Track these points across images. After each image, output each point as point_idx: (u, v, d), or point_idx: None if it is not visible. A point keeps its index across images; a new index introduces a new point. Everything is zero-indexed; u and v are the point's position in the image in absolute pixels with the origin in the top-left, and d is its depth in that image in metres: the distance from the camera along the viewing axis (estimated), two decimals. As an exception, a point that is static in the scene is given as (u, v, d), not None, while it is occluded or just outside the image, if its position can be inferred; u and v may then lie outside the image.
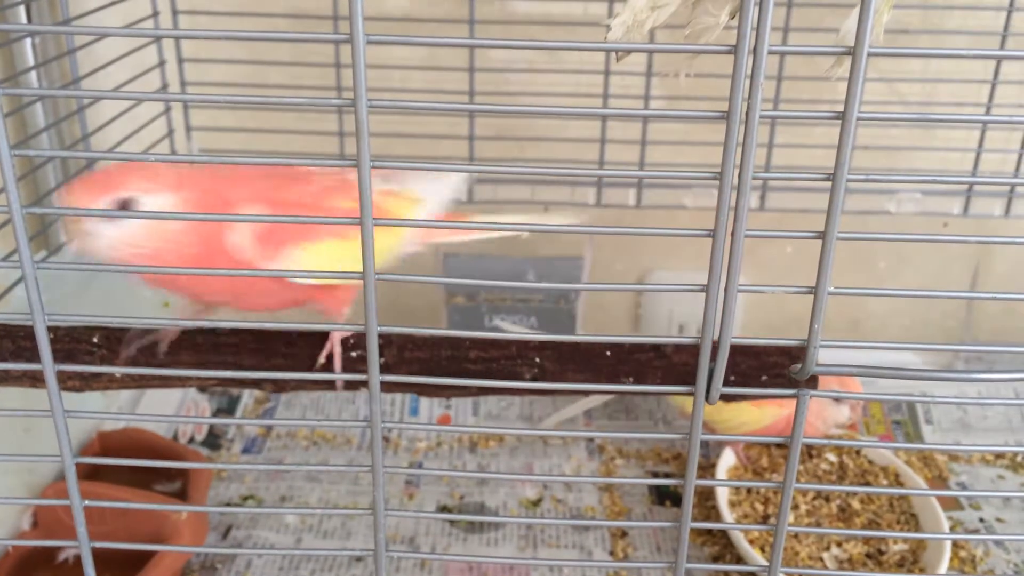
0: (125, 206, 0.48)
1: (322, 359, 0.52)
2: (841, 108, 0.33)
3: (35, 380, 0.50)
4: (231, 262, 0.50)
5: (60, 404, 0.41)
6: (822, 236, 0.35)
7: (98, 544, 0.45)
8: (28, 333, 0.48)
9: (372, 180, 0.59)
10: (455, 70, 0.94)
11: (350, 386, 0.51)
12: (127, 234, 0.49)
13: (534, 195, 1.00)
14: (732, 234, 0.34)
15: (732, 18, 0.36)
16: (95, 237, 0.48)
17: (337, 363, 0.52)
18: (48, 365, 0.40)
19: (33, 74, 0.82)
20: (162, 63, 0.91)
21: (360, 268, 0.52)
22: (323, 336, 0.52)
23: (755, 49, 0.31)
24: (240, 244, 0.50)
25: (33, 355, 0.42)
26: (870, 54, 0.31)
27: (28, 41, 0.81)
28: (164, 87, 0.92)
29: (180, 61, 0.93)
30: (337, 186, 0.56)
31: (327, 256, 0.53)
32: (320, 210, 0.53)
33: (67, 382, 0.51)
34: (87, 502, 0.44)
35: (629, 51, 0.33)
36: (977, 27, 0.94)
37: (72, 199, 0.49)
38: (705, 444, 0.93)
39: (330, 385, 0.53)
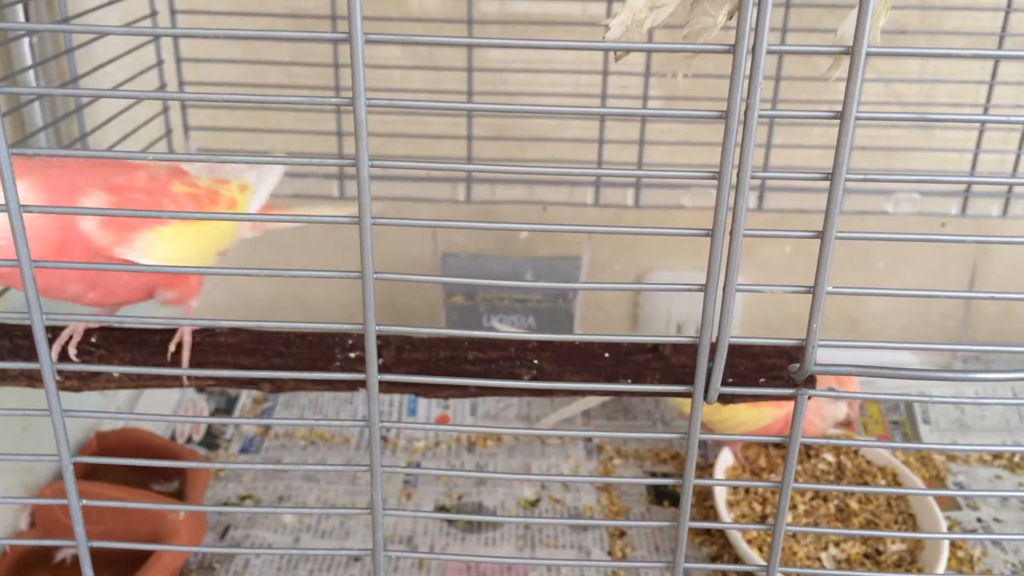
0: None
1: (172, 347, 0.52)
2: (839, 108, 0.33)
3: (33, 380, 0.50)
4: (86, 249, 0.50)
5: (58, 403, 0.41)
6: (820, 236, 0.35)
7: (96, 544, 0.45)
8: (26, 332, 0.48)
9: (200, 170, 0.60)
10: (454, 70, 0.94)
11: (348, 386, 0.51)
12: None
13: (532, 195, 1.00)
14: (730, 234, 0.34)
15: (730, 18, 0.36)
16: None
17: (186, 355, 0.51)
18: (46, 364, 0.40)
19: (31, 73, 0.82)
20: (160, 62, 0.91)
21: (202, 253, 0.53)
22: (324, 336, 0.52)
23: (753, 49, 0.31)
24: (92, 229, 0.51)
25: (31, 354, 0.42)
26: (868, 54, 0.31)
27: (26, 40, 0.81)
28: (162, 86, 0.92)
29: (178, 61, 0.93)
30: (172, 172, 0.57)
31: (176, 239, 0.54)
32: (162, 194, 0.55)
33: (65, 382, 0.51)
34: (85, 502, 0.44)
35: (628, 51, 0.33)
36: (975, 28, 0.94)
37: None
38: (703, 444, 0.93)
39: (329, 385, 0.53)
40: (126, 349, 0.52)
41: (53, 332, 0.52)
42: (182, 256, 0.55)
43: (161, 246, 0.53)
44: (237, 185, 0.61)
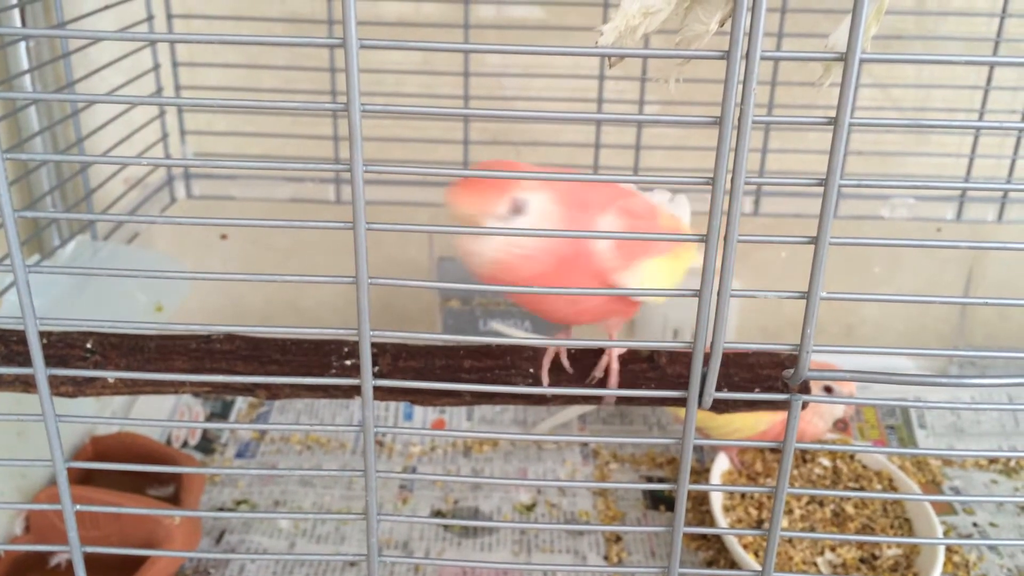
0: (521, 206, 0.48)
1: (599, 373, 0.51)
2: (835, 113, 0.33)
3: (27, 385, 0.50)
4: (589, 268, 0.51)
5: (52, 409, 0.41)
6: (814, 241, 0.35)
7: (90, 549, 0.45)
8: (21, 338, 0.48)
9: (651, 199, 0.59)
10: (450, 74, 0.94)
11: (344, 392, 0.51)
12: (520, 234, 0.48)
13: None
14: (725, 239, 0.35)
15: (722, 25, 0.36)
16: (485, 239, 0.48)
17: (613, 379, 0.51)
18: (40, 370, 0.40)
19: (27, 77, 0.82)
20: (156, 67, 0.91)
21: (673, 283, 0.53)
22: (320, 343, 0.52)
23: (747, 55, 0.31)
24: (604, 251, 0.51)
25: (25, 360, 0.42)
26: (862, 60, 0.31)
27: (22, 44, 0.81)
28: (158, 91, 0.92)
29: (174, 65, 0.93)
30: (624, 193, 0.57)
31: (664, 270, 0.54)
32: (654, 223, 0.55)
33: (60, 387, 0.51)
34: (79, 507, 0.43)
35: (621, 56, 0.33)
36: (970, 33, 0.94)
37: (464, 199, 0.48)
38: (699, 449, 0.93)
39: (325, 392, 0.53)
40: (121, 355, 0.52)
41: (47, 337, 0.52)
42: (663, 287, 0.54)
43: (653, 275, 0.53)
44: (669, 215, 0.61)
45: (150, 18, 0.89)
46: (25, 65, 0.82)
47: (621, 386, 0.50)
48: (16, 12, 0.81)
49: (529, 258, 0.48)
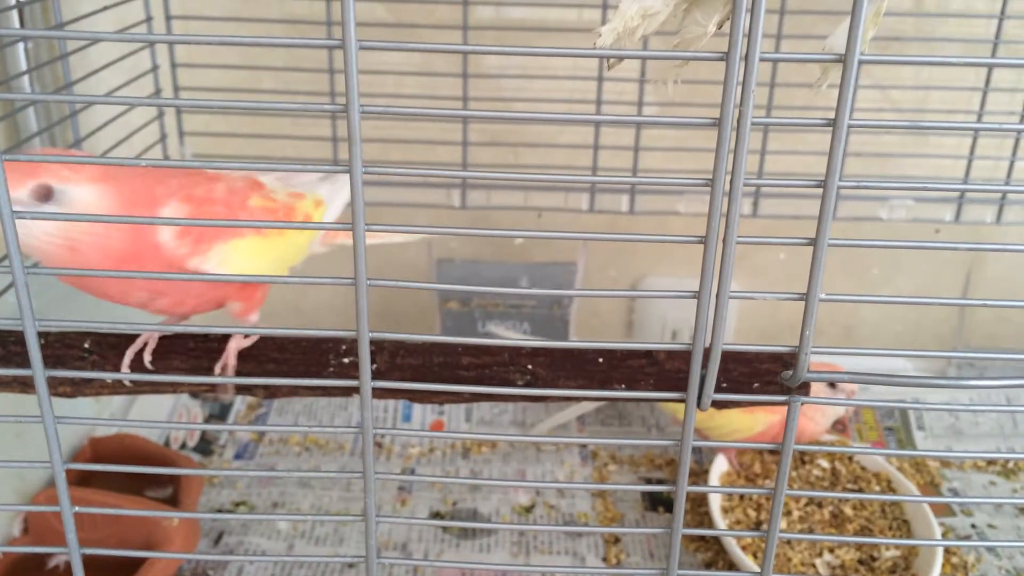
0: (46, 192, 0.47)
1: (218, 369, 0.51)
2: (833, 115, 0.33)
3: (25, 386, 0.50)
4: (159, 258, 0.50)
5: (50, 410, 0.41)
6: (813, 243, 0.35)
7: (88, 551, 0.45)
8: (19, 338, 0.48)
9: (276, 183, 0.59)
10: (449, 76, 0.94)
11: (342, 392, 0.51)
12: (52, 223, 0.48)
13: (527, 201, 1.00)
14: (723, 240, 0.35)
15: (720, 28, 0.36)
16: (25, 223, 0.47)
17: (230, 370, 0.51)
18: (38, 371, 0.40)
19: (26, 78, 0.82)
20: (155, 68, 0.91)
21: (274, 267, 0.52)
22: (318, 342, 0.52)
23: (746, 56, 0.31)
24: (167, 240, 0.50)
25: (23, 361, 0.42)
26: (860, 62, 0.31)
27: (21, 45, 0.81)
28: (157, 92, 0.92)
29: (173, 66, 0.93)
30: (250, 185, 0.57)
31: (250, 252, 0.54)
32: (239, 207, 0.54)
33: (58, 388, 0.51)
34: (77, 508, 0.43)
35: (620, 58, 0.33)
36: (969, 35, 0.94)
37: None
38: (698, 450, 0.93)
39: (324, 391, 0.53)
40: (119, 355, 0.52)
41: (45, 338, 0.52)
42: (256, 269, 0.54)
43: (236, 258, 0.53)
44: (312, 200, 0.61)
45: (149, 19, 0.89)
46: (24, 66, 0.82)
47: (618, 382, 0.49)
48: (15, 13, 0.81)
49: (74, 250, 0.48)
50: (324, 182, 0.63)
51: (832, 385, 0.83)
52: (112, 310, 0.56)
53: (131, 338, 0.53)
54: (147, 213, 0.50)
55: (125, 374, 0.49)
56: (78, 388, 0.52)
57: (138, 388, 0.52)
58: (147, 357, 0.51)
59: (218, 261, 0.52)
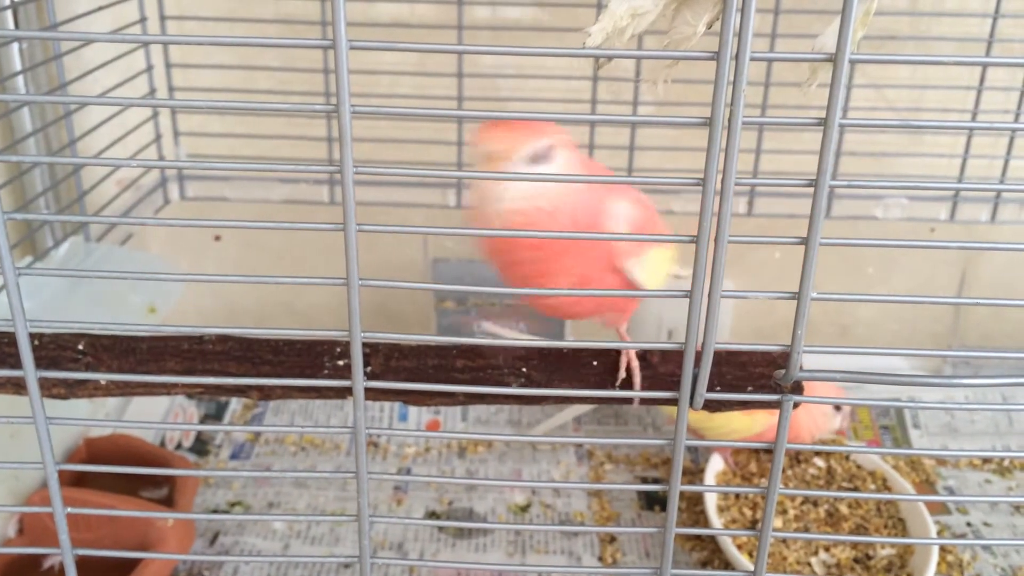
0: (546, 153, 0.48)
1: (622, 374, 0.50)
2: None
3: (19, 387, 0.50)
4: (599, 245, 0.50)
5: (42, 411, 0.41)
6: (805, 242, 0.35)
7: (81, 552, 0.45)
8: (11, 339, 0.48)
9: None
10: (444, 75, 0.94)
11: (336, 393, 0.51)
12: (535, 186, 0.48)
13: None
14: (715, 240, 0.35)
15: (709, 28, 0.36)
16: (509, 185, 0.47)
17: (636, 379, 0.50)
18: (30, 372, 0.40)
19: (20, 79, 0.82)
20: (149, 68, 0.91)
21: (665, 279, 0.53)
22: (312, 344, 0.52)
23: (737, 55, 0.31)
24: (617, 232, 0.51)
25: (16, 362, 0.42)
26: (852, 61, 0.31)
27: (15, 46, 0.81)
28: (152, 92, 0.92)
29: (168, 66, 0.93)
30: (635, 198, 0.56)
31: (663, 263, 0.54)
32: (656, 215, 0.55)
33: (51, 389, 0.51)
34: (70, 509, 0.43)
35: (611, 57, 0.33)
36: (964, 34, 0.94)
37: (492, 136, 0.48)
38: (694, 450, 0.93)
39: (318, 393, 0.53)
40: (113, 357, 0.52)
41: (38, 339, 0.52)
42: (660, 281, 0.55)
43: (655, 268, 0.53)
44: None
45: (143, 19, 0.89)
46: (18, 66, 0.82)
47: (614, 385, 0.50)
48: (9, 13, 0.81)
49: (549, 214, 0.48)
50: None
51: (837, 408, 0.83)
52: (107, 311, 0.56)
53: (124, 340, 0.53)
54: (602, 201, 0.50)
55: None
56: (72, 389, 0.51)
57: (132, 390, 0.52)
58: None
59: (644, 268, 0.52)
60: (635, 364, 0.50)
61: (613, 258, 0.51)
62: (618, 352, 0.50)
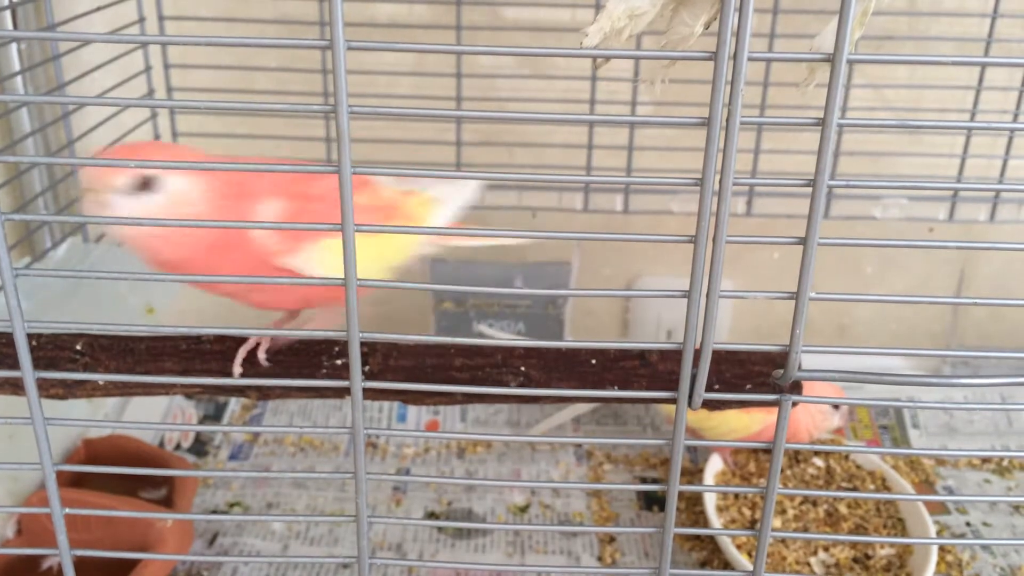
0: (147, 182, 0.47)
1: (237, 368, 0.51)
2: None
3: (16, 387, 0.50)
4: (251, 251, 0.50)
5: (40, 412, 0.41)
6: (803, 242, 0.35)
7: (79, 552, 0.44)
8: (9, 340, 0.47)
9: (390, 183, 0.58)
10: (443, 76, 0.94)
11: (335, 393, 0.51)
12: (146, 211, 0.47)
13: (521, 200, 1.00)
14: (714, 240, 0.35)
15: (707, 28, 0.36)
16: (113, 211, 0.47)
17: (236, 368, 0.51)
18: (28, 372, 0.40)
19: (19, 79, 0.82)
20: (148, 69, 0.91)
21: (373, 266, 0.51)
22: (310, 344, 0.52)
23: (735, 55, 0.31)
24: (262, 235, 0.50)
25: (14, 362, 0.42)
26: (849, 61, 0.31)
27: (14, 46, 0.81)
28: (150, 93, 0.92)
29: (166, 67, 0.93)
30: (356, 182, 0.56)
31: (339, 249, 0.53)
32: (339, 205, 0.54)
33: (49, 389, 0.51)
34: (68, 510, 0.43)
35: (608, 58, 0.33)
36: (962, 34, 0.94)
37: (92, 171, 0.47)
38: (693, 449, 0.93)
39: (316, 393, 0.53)
40: (111, 357, 0.52)
41: (36, 339, 0.52)
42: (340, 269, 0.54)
43: (330, 258, 0.51)
44: (421, 199, 0.59)
45: (142, 20, 0.89)
46: (16, 67, 0.82)
47: (612, 383, 0.49)
48: (7, 14, 0.81)
49: (168, 241, 0.47)
50: (443, 183, 0.61)
51: (835, 407, 0.83)
52: (106, 311, 0.56)
53: (122, 340, 0.53)
54: (243, 206, 0.49)
55: (237, 379, 0.49)
56: (70, 390, 0.51)
57: (130, 390, 0.52)
58: (262, 355, 0.51)
59: (307, 260, 0.51)
60: (262, 355, 0.50)
61: (268, 260, 0.51)
62: (621, 349, 0.50)
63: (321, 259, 0.52)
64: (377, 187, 0.57)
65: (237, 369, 0.50)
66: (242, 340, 0.52)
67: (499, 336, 0.99)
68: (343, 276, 0.36)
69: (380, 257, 0.57)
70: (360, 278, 0.37)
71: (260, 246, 0.50)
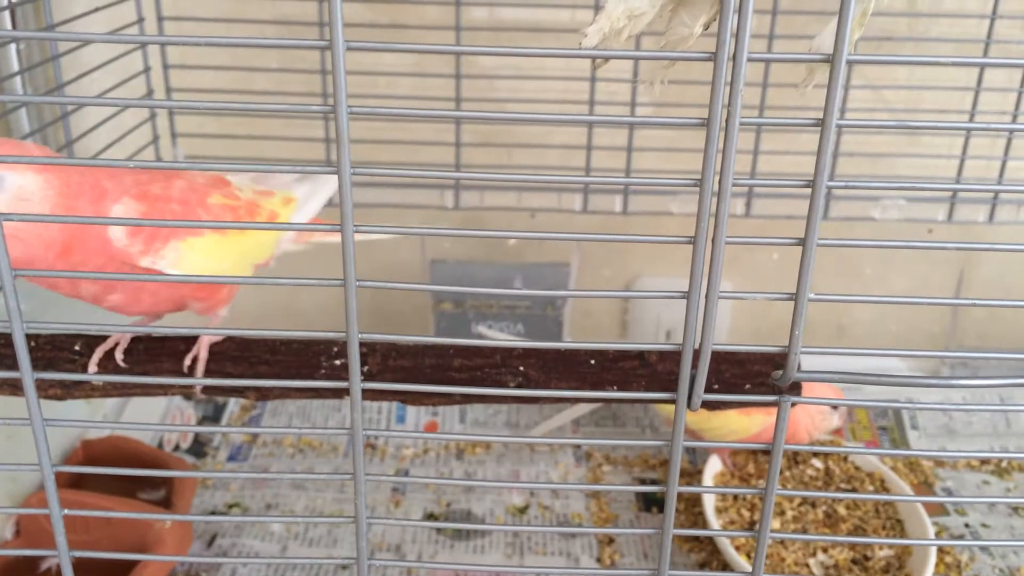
0: None
1: (187, 362, 0.51)
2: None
3: (15, 388, 0.50)
4: (108, 253, 0.50)
5: (39, 413, 0.41)
6: (802, 243, 0.35)
7: (78, 554, 0.44)
8: (8, 340, 0.47)
9: (245, 181, 0.59)
10: (442, 76, 0.93)
11: (333, 394, 0.51)
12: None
13: (521, 201, 1.00)
14: (713, 241, 0.35)
15: (706, 29, 0.36)
16: None
17: (200, 368, 0.51)
18: (26, 373, 0.40)
19: (18, 79, 0.82)
20: (147, 69, 0.91)
21: (237, 265, 0.51)
22: (309, 344, 0.52)
23: (734, 56, 0.31)
24: (119, 237, 0.50)
25: (13, 363, 0.42)
26: (849, 62, 0.31)
27: (13, 46, 0.81)
28: (149, 93, 0.92)
29: (165, 67, 0.93)
30: (212, 182, 0.56)
31: (208, 251, 0.53)
32: (197, 205, 0.53)
33: (48, 390, 0.51)
34: (66, 511, 0.43)
35: (607, 58, 0.33)
36: (961, 35, 0.94)
37: None
38: (692, 451, 0.93)
39: (315, 393, 0.53)
40: (108, 357, 0.52)
41: (35, 340, 0.52)
42: (215, 268, 0.54)
43: (192, 257, 0.52)
44: (281, 198, 0.60)
45: (141, 20, 0.89)
46: (15, 67, 0.82)
47: (611, 384, 0.49)
48: (6, 14, 0.81)
49: (15, 238, 0.46)
50: (303, 181, 0.62)
51: (834, 408, 0.83)
52: (103, 312, 0.56)
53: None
54: (94, 207, 0.49)
55: (93, 374, 0.48)
56: (68, 390, 0.51)
57: (128, 391, 0.52)
58: (119, 356, 0.51)
59: (173, 260, 0.51)
60: (203, 354, 0.50)
61: (128, 261, 0.50)
62: (616, 354, 0.50)
63: (187, 258, 0.52)
64: (232, 187, 0.57)
65: (93, 368, 0.50)
66: (241, 340, 0.52)
67: (498, 337, 0.99)
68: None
69: (244, 256, 0.57)
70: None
71: (118, 248, 0.50)
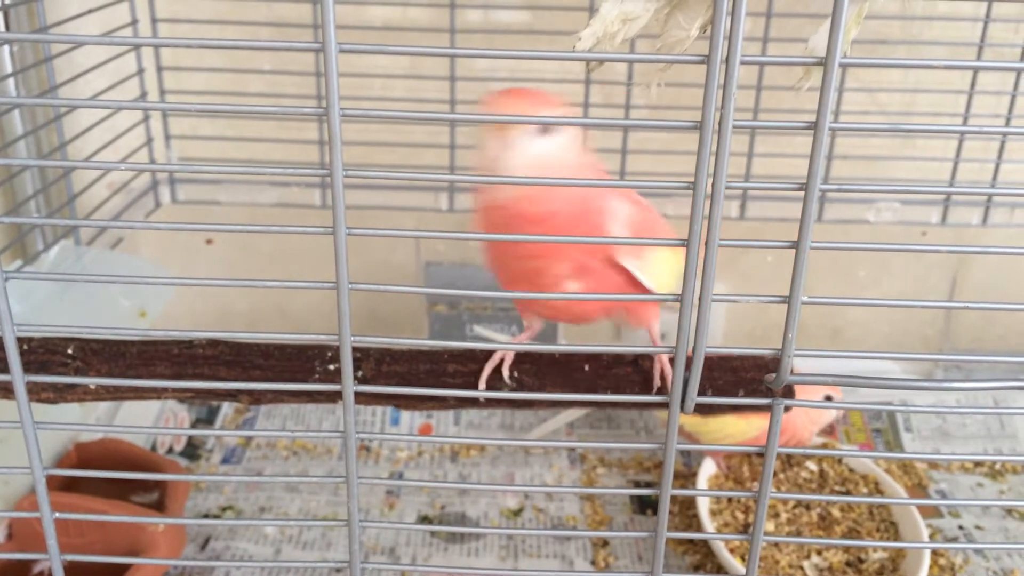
0: (547, 126, 0.47)
1: (657, 382, 0.50)
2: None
3: (7, 391, 0.49)
4: (599, 228, 0.50)
5: (30, 416, 0.41)
6: (795, 246, 0.35)
7: (69, 557, 0.44)
8: None
9: None
10: (437, 79, 0.93)
11: (327, 398, 0.51)
12: (547, 153, 0.48)
13: (515, 204, 1.00)
14: (706, 243, 0.34)
15: (703, 32, 0.36)
16: (517, 151, 0.47)
17: (505, 372, 0.50)
18: (17, 376, 0.39)
19: (11, 81, 0.82)
20: (141, 71, 0.91)
21: (675, 280, 0.51)
22: (303, 348, 0.52)
23: (727, 59, 0.31)
24: (619, 232, 0.50)
25: (4, 366, 0.42)
26: (841, 65, 0.31)
27: (6, 48, 0.81)
28: (143, 95, 0.91)
29: (159, 69, 0.92)
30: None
31: (667, 263, 0.54)
32: (657, 220, 0.55)
33: (40, 393, 0.51)
34: (57, 514, 0.43)
35: (601, 61, 0.33)
36: (955, 38, 0.94)
37: (502, 104, 0.48)
38: (686, 453, 0.93)
39: (309, 397, 0.53)
40: (103, 361, 0.52)
41: (27, 343, 0.51)
42: (666, 282, 0.54)
43: (659, 267, 0.52)
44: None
45: (134, 22, 0.89)
46: (8, 69, 0.82)
47: (604, 388, 0.49)
48: (0, 15, 0.80)
49: (548, 194, 0.47)
50: None
51: (829, 398, 0.83)
52: (98, 315, 0.56)
53: (114, 344, 0.52)
54: (603, 193, 0.50)
55: (481, 392, 0.48)
56: (61, 394, 0.51)
57: (121, 394, 0.52)
58: (505, 372, 0.50)
59: (645, 265, 0.52)
60: (668, 370, 0.49)
61: (609, 252, 0.51)
62: (614, 356, 0.50)
63: (657, 267, 0.52)
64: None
65: (482, 385, 0.50)
66: (234, 344, 0.52)
67: (494, 337, 0.98)
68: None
69: (679, 274, 0.59)
70: (351, 282, 0.37)
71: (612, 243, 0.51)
